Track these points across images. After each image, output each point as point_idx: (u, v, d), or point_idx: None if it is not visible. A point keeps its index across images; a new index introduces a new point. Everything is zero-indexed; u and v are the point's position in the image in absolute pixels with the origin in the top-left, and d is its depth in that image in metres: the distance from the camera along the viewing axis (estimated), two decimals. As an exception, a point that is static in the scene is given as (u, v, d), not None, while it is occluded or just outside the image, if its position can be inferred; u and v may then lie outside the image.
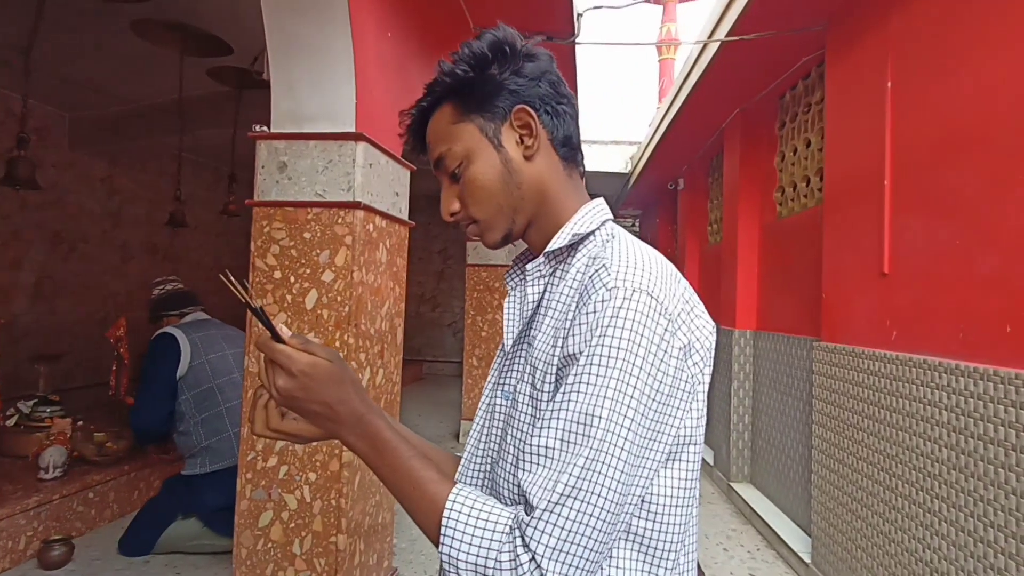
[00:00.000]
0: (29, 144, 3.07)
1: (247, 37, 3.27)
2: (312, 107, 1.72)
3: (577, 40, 3.31)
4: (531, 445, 0.58)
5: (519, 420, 0.64)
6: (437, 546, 0.59)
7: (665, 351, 0.59)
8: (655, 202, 8.38)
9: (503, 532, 0.56)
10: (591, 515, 0.55)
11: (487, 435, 0.71)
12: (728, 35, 3.34)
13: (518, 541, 0.55)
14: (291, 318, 1.69)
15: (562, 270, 0.68)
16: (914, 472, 2.22)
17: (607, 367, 0.56)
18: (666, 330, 0.59)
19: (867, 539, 2.51)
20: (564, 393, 0.58)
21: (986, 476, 1.87)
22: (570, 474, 0.55)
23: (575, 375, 0.57)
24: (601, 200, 0.73)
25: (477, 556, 0.56)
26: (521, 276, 0.75)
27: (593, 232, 0.69)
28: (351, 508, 1.69)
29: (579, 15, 3.22)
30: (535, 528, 0.55)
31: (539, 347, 0.64)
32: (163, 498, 2.61)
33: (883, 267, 2.49)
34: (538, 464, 0.57)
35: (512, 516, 0.57)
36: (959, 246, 2.08)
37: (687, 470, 0.63)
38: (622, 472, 0.56)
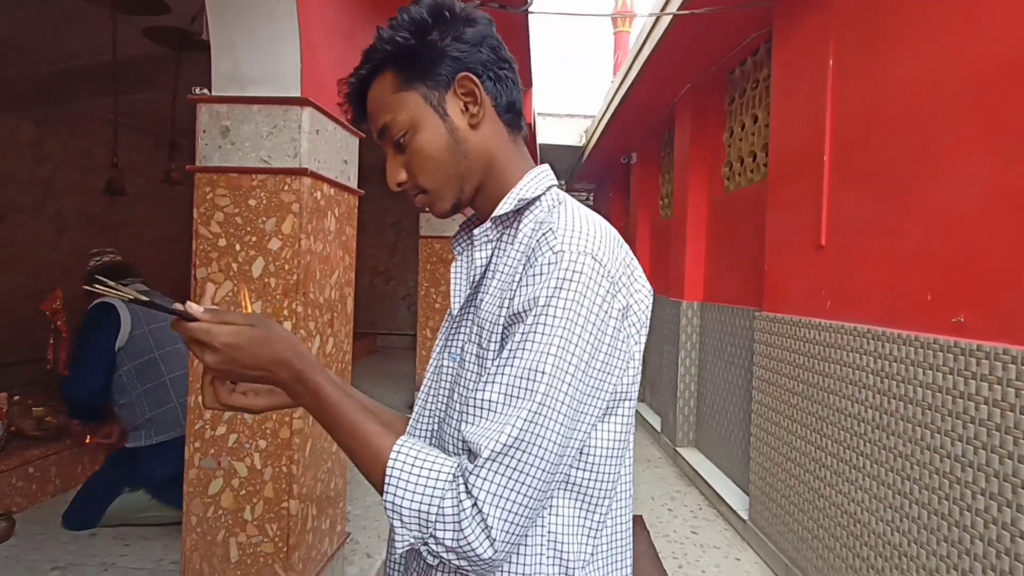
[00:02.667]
0: (-54, 104, 2.85)
1: (186, -6, 3.10)
2: (255, 70, 1.66)
3: (530, 9, 3.28)
4: (476, 399, 0.60)
5: (465, 379, 0.66)
6: (377, 489, 0.60)
7: (606, 312, 0.61)
8: (609, 176, 8.47)
9: (446, 480, 0.58)
10: (532, 465, 0.57)
11: (434, 395, 0.72)
12: (680, 9, 3.37)
13: (461, 488, 0.57)
14: (237, 286, 1.66)
15: (509, 235, 0.70)
16: (842, 432, 2.38)
17: (552, 326, 0.58)
18: (608, 292, 0.61)
19: (799, 496, 2.69)
20: (510, 350, 0.59)
21: (905, 434, 2.02)
22: (513, 425, 0.57)
23: (522, 333, 0.59)
24: (546, 166, 0.75)
25: (420, 503, 0.57)
26: (468, 241, 0.76)
27: (539, 197, 0.70)
28: (302, 474, 1.70)
29: (534, -17, 3.18)
30: (478, 476, 0.57)
31: (486, 308, 0.66)
32: (107, 472, 2.55)
33: (820, 240, 2.61)
34: (482, 417, 0.59)
35: (455, 465, 0.59)
36: (888, 220, 2.20)
37: (622, 424, 0.66)
38: (562, 425, 0.59)
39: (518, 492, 0.57)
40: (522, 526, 0.59)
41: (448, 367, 0.71)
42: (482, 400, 0.60)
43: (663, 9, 3.64)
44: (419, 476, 0.58)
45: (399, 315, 9.13)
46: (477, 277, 0.70)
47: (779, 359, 2.91)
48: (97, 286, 0.61)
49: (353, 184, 2.03)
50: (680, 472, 4.36)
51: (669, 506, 3.68)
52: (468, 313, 0.71)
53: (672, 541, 3.17)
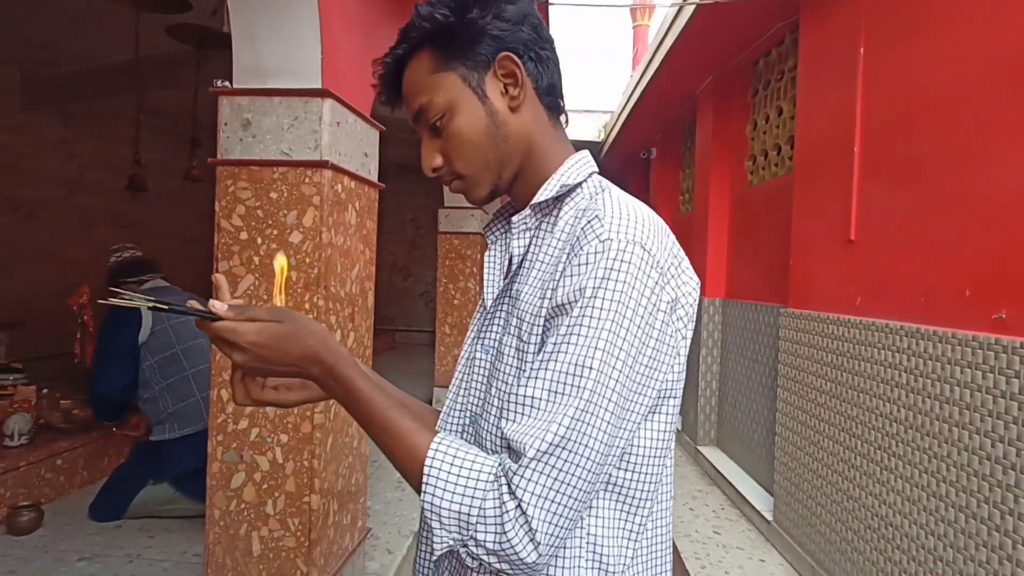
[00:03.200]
0: (-23, 102, 2.91)
1: (207, -9, 3.12)
2: (276, 62, 1.65)
3: (550, 1, 3.24)
4: (518, 395, 0.58)
5: (503, 372, 0.63)
6: (415, 487, 0.58)
7: (655, 304, 0.58)
8: (627, 172, 8.39)
9: (488, 480, 0.55)
10: (579, 465, 0.55)
11: (466, 388, 0.70)
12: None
13: (504, 489, 0.55)
14: (259, 279, 1.65)
15: (548, 222, 0.67)
16: (873, 432, 2.31)
17: (599, 319, 0.56)
18: (656, 283, 0.58)
19: (826, 496, 2.62)
20: (555, 344, 0.57)
21: (940, 434, 1.95)
22: (560, 423, 0.55)
23: (567, 326, 0.56)
24: (586, 152, 0.71)
25: (461, 505, 0.55)
26: (504, 229, 0.73)
27: (581, 184, 0.67)
28: (324, 469, 1.69)
29: (554, -25, 3.15)
30: (523, 476, 0.54)
31: (526, 299, 0.63)
32: (132, 464, 2.58)
33: (850, 234, 2.54)
34: (526, 414, 0.57)
35: (496, 464, 0.57)
36: (923, 213, 2.12)
37: (666, 423, 0.63)
38: (609, 423, 0.56)
39: (563, 493, 0.55)
40: (567, 529, 0.56)
41: (481, 359, 0.69)
42: (525, 396, 0.57)
43: (686, 0, 3.57)
44: (459, 475, 0.56)
45: (417, 311, 9.15)
46: (516, 266, 0.67)
47: (806, 356, 2.84)
48: (111, 299, 0.61)
49: (374, 177, 2.02)
50: (701, 471, 4.30)
51: (691, 505, 3.63)
52: (504, 304, 0.68)
53: (694, 541, 3.12)
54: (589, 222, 0.60)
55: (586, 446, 0.55)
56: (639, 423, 0.61)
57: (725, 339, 4.36)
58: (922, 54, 2.17)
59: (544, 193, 0.66)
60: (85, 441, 2.87)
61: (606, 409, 0.56)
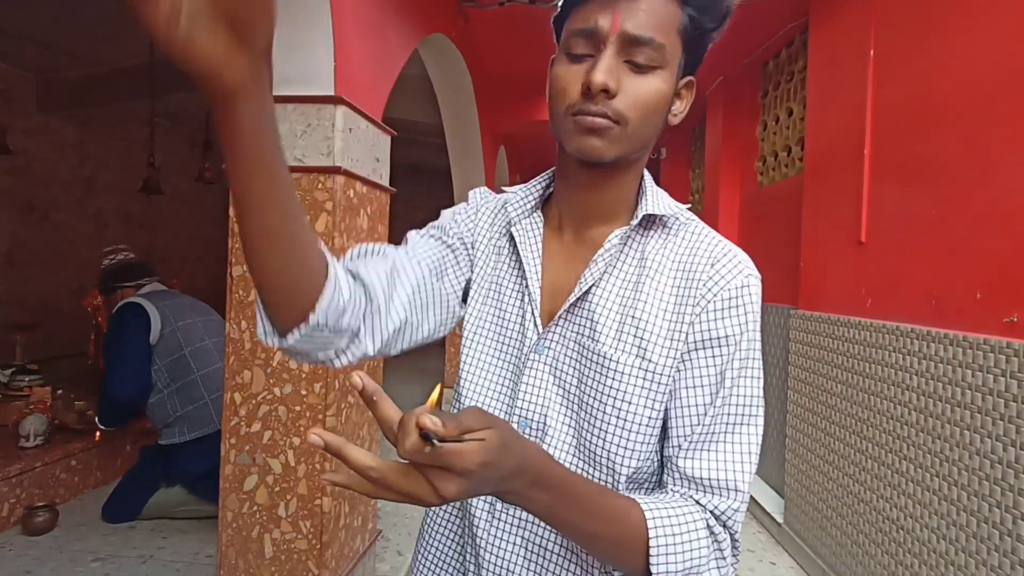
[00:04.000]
0: (-4, 106, 2.95)
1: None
2: (289, 69, 1.67)
3: (559, 5, 3.24)
4: (712, 431, 0.61)
5: (624, 389, 0.62)
6: (643, 564, 0.57)
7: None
8: (639, 172, 8.35)
9: (702, 530, 0.59)
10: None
11: (524, 392, 0.66)
12: None
13: (716, 528, 0.59)
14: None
15: (639, 235, 0.67)
16: (884, 435, 2.30)
17: (757, 353, 0.63)
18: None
19: (837, 499, 2.61)
20: (732, 379, 0.61)
21: (952, 438, 1.94)
22: (751, 453, 0.61)
23: (740, 362, 0.62)
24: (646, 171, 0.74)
25: (690, 560, 0.58)
26: (534, 236, 0.70)
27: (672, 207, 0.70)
28: (335, 471, 1.71)
29: (564, -22, 3.14)
30: (735, 510, 0.60)
31: (648, 319, 0.63)
32: (143, 468, 2.60)
33: (860, 236, 2.53)
34: (717, 450, 0.61)
35: (697, 508, 0.60)
36: (934, 215, 2.11)
37: None
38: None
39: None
40: None
41: (536, 361, 0.66)
42: (713, 433, 0.61)
43: (695, 1, 3.57)
44: (682, 532, 0.58)
45: (426, 312, 9.17)
46: (600, 274, 0.65)
47: (816, 359, 2.83)
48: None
49: (385, 182, 2.03)
50: (711, 473, 4.28)
51: (700, 507, 3.62)
52: (578, 307, 0.65)
53: (704, 543, 3.11)
54: (725, 254, 0.64)
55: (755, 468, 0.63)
56: None
57: (734, 340, 4.34)
58: (933, 56, 2.15)
59: (655, 207, 0.67)
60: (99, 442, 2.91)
61: (762, 430, 0.63)
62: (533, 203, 0.73)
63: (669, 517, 0.58)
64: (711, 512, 0.59)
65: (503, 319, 0.71)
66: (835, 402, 2.65)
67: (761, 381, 0.63)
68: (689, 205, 0.72)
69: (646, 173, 0.71)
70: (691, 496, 0.61)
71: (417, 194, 8.88)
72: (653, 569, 0.56)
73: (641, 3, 0.59)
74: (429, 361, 7.24)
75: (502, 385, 0.69)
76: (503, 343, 0.70)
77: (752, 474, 0.61)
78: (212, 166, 4.20)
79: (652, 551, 0.56)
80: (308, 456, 1.67)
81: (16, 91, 4.32)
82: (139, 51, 3.74)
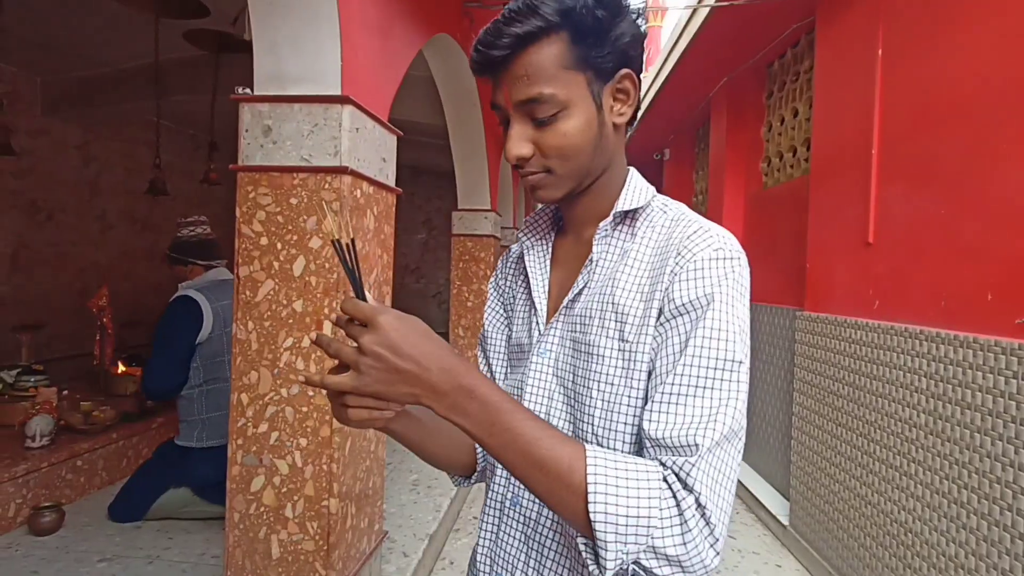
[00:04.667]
0: (2, 108, 2.96)
1: (225, -2, 3.16)
2: (296, 68, 1.67)
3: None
4: (665, 395, 0.58)
5: (606, 375, 0.64)
6: (583, 510, 0.54)
7: (746, 305, 0.64)
8: (641, 173, 8.35)
9: (657, 481, 0.54)
10: (734, 455, 0.58)
11: (529, 395, 0.70)
12: (718, 0, 3.29)
13: (677, 487, 0.54)
14: (279, 285, 1.67)
15: (622, 228, 0.70)
16: (892, 437, 2.29)
17: (730, 318, 0.59)
18: (747, 279, 0.65)
19: (843, 501, 2.59)
20: (695, 342, 0.58)
21: (962, 440, 1.93)
22: (726, 414, 0.57)
23: (706, 325, 0.59)
24: (632, 167, 0.76)
25: (639, 509, 0.53)
26: (544, 244, 0.76)
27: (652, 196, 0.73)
28: (342, 473, 1.71)
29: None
30: (698, 468, 0.54)
31: (624, 303, 0.64)
32: (155, 466, 2.59)
33: (868, 237, 2.52)
34: (679, 412, 0.57)
35: (656, 465, 0.56)
36: (942, 215, 2.10)
37: None
38: (742, 417, 0.60)
39: (724, 485, 0.56)
40: (728, 516, 0.57)
41: (539, 364, 0.70)
42: (674, 395, 0.58)
43: (700, 1, 3.56)
44: (628, 479, 0.54)
45: (430, 313, 9.18)
46: (593, 270, 0.69)
47: (823, 360, 2.81)
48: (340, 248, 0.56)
49: (391, 182, 2.03)
50: (716, 474, 4.27)
51: (705, 509, 3.60)
52: (569, 308, 0.69)
53: (709, 545, 3.10)
54: (695, 232, 0.64)
55: (738, 434, 0.58)
56: None
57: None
58: (942, 55, 2.14)
59: (630, 202, 0.70)
60: (104, 442, 2.91)
61: (745, 400, 0.60)
62: (547, 218, 0.79)
63: (615, 464, 0.54)
64: (672, 470, 0.55)
65: (515, 331, 0.77)
66: (841, 404, 2.64)
67: (736, 345, 0.58)
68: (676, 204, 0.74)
69: (631, 171, 0.74)
70: (656, 457, 0.57)
71: (419, 195, 8.88)
72: (591, 511, 0.52)
73: (519, 68, 0.62)
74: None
75: (514, 390, 0.74)
76: (515, 353, 0.77)
77: (723, 436, 0.56)
78: (217, 167, 4.20)
79: (590, 490, 0.52)
80: (315, 457, 1.67)
81: (21, 93, 4.33)
82: (144, 52, 3.75)
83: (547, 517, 0.68)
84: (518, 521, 0.70)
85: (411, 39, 2.31)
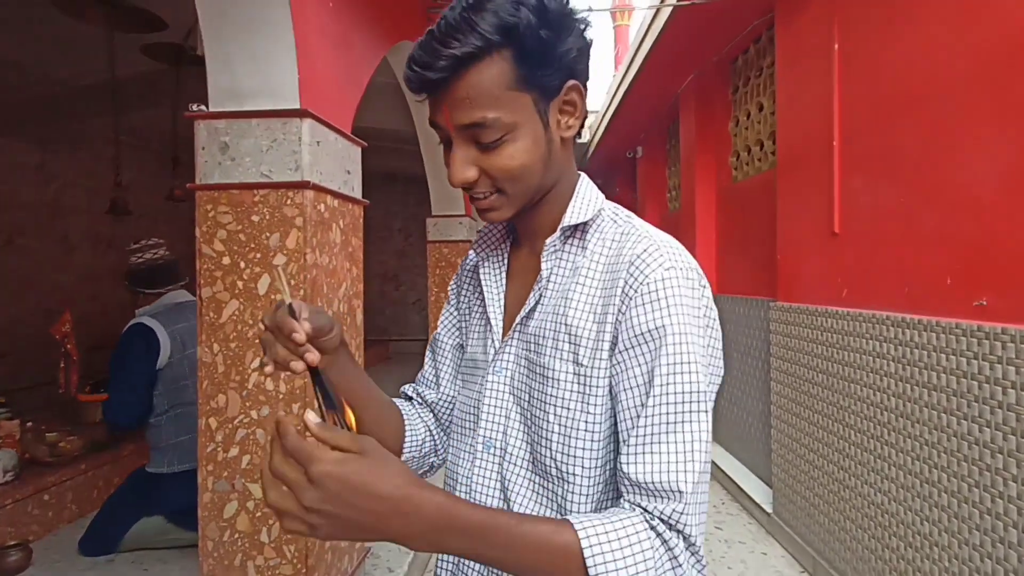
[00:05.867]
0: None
1: (181, 10, 3.08)
2: (252, 83, 1.64)
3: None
4: (639, 435, 0.58)
5: (563, 399, 0.63)
6: None
7: (710, 320, 0.64)
8: (615, 171, 8.41)
9: (647, 538, 0.55)
10: (707, 482, 0.59)
11: (486, 414, 0.70)
12: (679, 0, 3.33)
13: (664, 533, 0.56)
14: (243, 304, 1.64)
15: (572, 243, 0.68)
16: (865, 421, 2.33)
17: (688, 347, 0.59)
18: (707, 302, 0.63)
19: (823, 487, 2.64)
20: (661, 379, 0.58)
21: (930, 421, 1.97)
22: (696, 451, 0.57)
23: (666, 360, 0.58)
24: (584, 174, 0.73)
25: (637, 568, 0.54)
26: (495, 246, 0.75)
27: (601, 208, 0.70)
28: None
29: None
30: (686, 513, 0.56)
31: (577, 324, 0.63)
32: (127, 495, 2.52)
33: (834, 227, 2.56)
34: (655, 451, 0.57)
35: (637, 514, 0.56)
36: (903, 204, 2.15)
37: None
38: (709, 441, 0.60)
39: (703, 513, 0.59)
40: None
41: (495, 383, 0.69)
42: (649, 435, 0.58)
43: (663, 0, 3.59)
44: (622, 546, 0.54)
45: (410, 320, 9.12)
46: (543, 288, 0.67)
47: (796, 349, 2.86)
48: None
49: (357, 194, 2.01)
50: (699, 467, 4.31)
51: (690, 502, 3.63)
52: (522, 327, 0.68)
53: (695, 538, 3.13)
54: (646, 250, 0.62)
55: (708, 460, 0.59)
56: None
57: (716, 334, 4.38)
58: (895, 47, 2.19)
59: (577, 216, 0.67)
60: (73, 474, 2.82)
61: (709, 425, 0.60)
62: (500, 230, 0.77)
63: (606, 531, 0.54)
64: (659, 518, 0.56)
65: (471, 345, 0.76)
66: (817, 391, 2.68)
67: (699, 375, 0.58)
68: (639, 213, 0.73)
69: (581, 179, 0.72)
70: (638, 503, 0.58)
71: (393, 201, 8.82)
72: None
73: (459, 90, 0.59)
74: (415, 370, 7.20)
75: (471, 408, 0.73)
76: (469, 368, 0.75)
77: (700, 472, 0.57)
78: (181, 184, 4.12)
79: (590, 567, 0.53)
80: (289, 478, 1.63)
81: (-28, 114, 4.20)
82: (100, 68, 3.65)
83: None
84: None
85: (373, 48, 2.28)
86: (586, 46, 0.64)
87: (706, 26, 3.66)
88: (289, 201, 1.63)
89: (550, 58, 0.60)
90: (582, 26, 0.63)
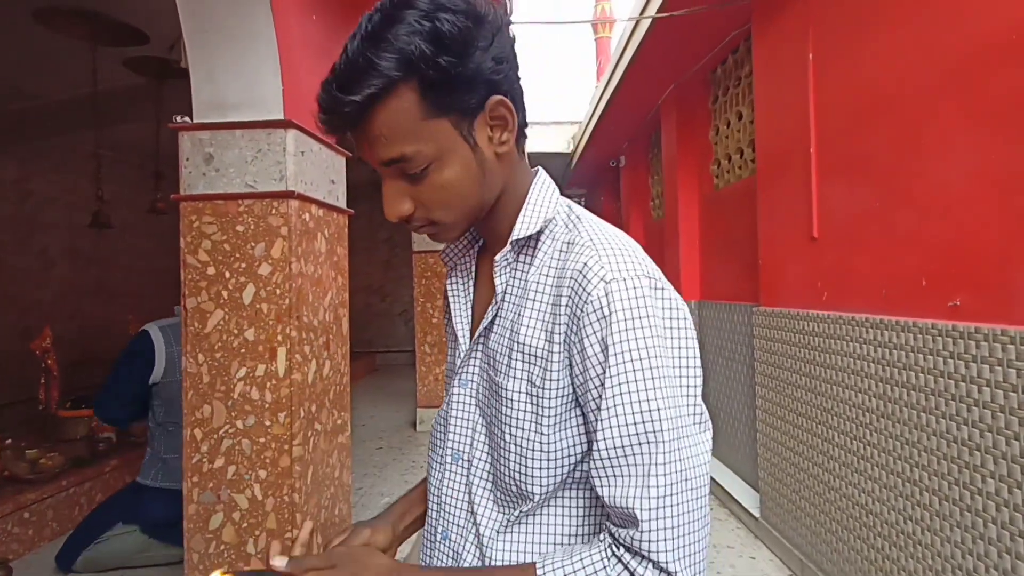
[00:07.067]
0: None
1: (163, 24, 3.10)
2: (236, 95, 1.65)
3: (511, 20, 3.28)
4: (598, 459, 0.57)
5: (517, 420, 0.62)
6: None
7: (675, 322, 0.59)
8: (599, 180, 8.49)
9: (610, 564, 0.55)
10: (689, 500, 0.55)
11: (452, 426, 0.71)
12: (659, 11, 3.39)
13: (629, 560, 0.55)
14: (228, 314, 1.63)
15: (526, 255, 0.66)
16: (848, 423, 2.36)
17: (638, 362, 0.55)
18: (668, 304, 0.59)
19: (809, 489, 2.66)
20: (608, 401, 0.56)
21: (910, 421, 2.01)
22: (656, 475, 0.54)
23: (612, 380, 0.55)
24: (542, 171, 0.70)
25: None
26: (462, 254, 0.74)
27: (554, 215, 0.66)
28: (305, 503, 1.67)
29: (511, -6, 3.19)
30: (649, 540, 0.54)
31: (528, 341, 0.61)
32: (107, 503, 2.49)
33: (813, 232, 2.61)
34: (615, 474, 0.56)
35: (602, 550, 0.57)
36: (879, 208, 2.20)
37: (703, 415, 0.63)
38: (692, 447, 0.56)
39: (690, 533, 0.55)
40: (704, 554, 0.57)
41: (460, 394, 0.70)
42: (603, 460, 0.56)
43: (642, 13, 3.66)
44: None
45: (397, 332, 9.09)
46: (498, 303, 0.66)
47: (780, 353, 2.89)
48: None
49: (342, 204, 2.01)
50: (687, 473, 4.32)
51: (679, 508, 3.64)
52: (482, 343, 0.68)
53: (684, 544, 3.13)
54: (586, 263, 0.58)
55: (688, 480, 0.56)
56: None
57: (703, 340, 4.41)
58: (867, 55, 2.26)
59: (525, 229, 0.64)
60: (53, 491, 2.77)
61: (685, 437, 0.56)
62: (467, 238, 0.75)
63: (563, 567, 0.56)
64: (622, 543, 0.56)
65: (449, 355, 0.79)
66: (800, 395, 2.72)
67: (653, 393, 0.55)
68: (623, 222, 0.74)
69: (536, 183, 0.68)
70: (609, 526, 0.58)
71: (379, 212, 8.79)
72: None
73: (372, 129, 0.58)
74: (402, 382, 7.16)
75: (441, 419, 0.75)
76: (449, 374, 0.77)
77: (667, 495, 0.55)
78: (163, 196, 4.09)
79: None
80: (276, 489, 1.63)
81: (-50, 129, 4.15)
82: (80, 82, 3.63)
83: (470, 553, 0.67)
84: (445, 555, 0.70)
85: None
86: (503, 54, 0.60)
87: (685, 37, 3.73)
88: (274, 211, 1.63)
89: (459, 82, 0.57)
90: (491, 37, 0.58)
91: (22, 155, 4.66)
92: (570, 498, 0.63)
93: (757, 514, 3.19)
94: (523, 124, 0.65)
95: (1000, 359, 1.65)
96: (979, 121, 1.74)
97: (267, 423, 1.62)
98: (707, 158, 4.32)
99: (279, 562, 0.59)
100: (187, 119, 1.67)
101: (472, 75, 0.57)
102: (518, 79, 0.63)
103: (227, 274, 1.63)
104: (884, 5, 2.14)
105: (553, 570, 0.56)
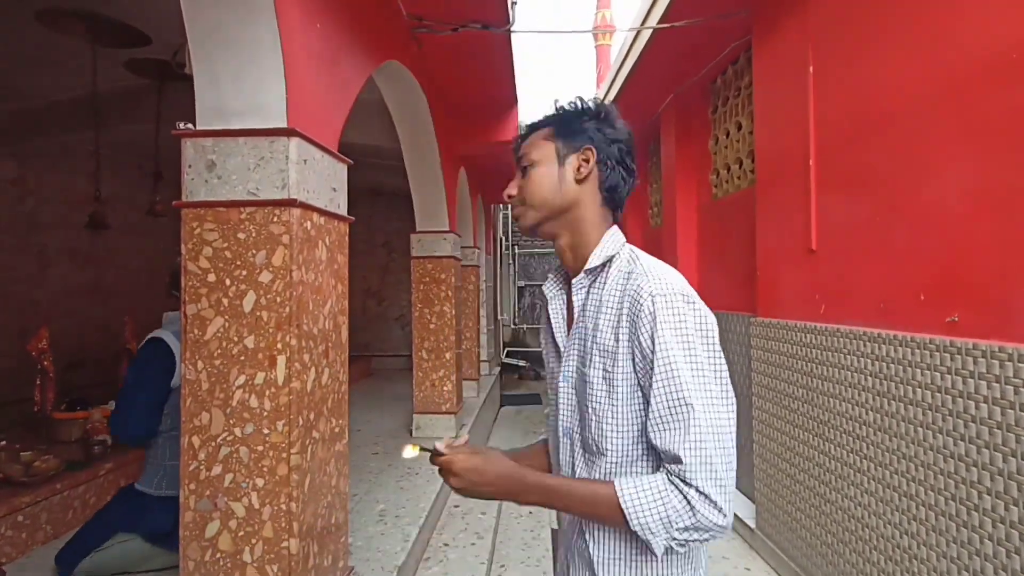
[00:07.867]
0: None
1: (166, 26, 3.10)
2: (239, 102, 1.65)
3: (512, 28, 3.30)
4: (655, 417, 0.84)
5: (595, 398, 0.91)
6: (624, 526, 0.82)
7: (702, 323, 0.85)
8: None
9: (664, 488, 0.81)
10: (717, 446, 0.80)
11: (562, 411, 0.99)
12: (660, 22, 3.41)
13: (680, 485, 0.80)
14: (228, 321, 1.63)
15: (600, 281, 0.95)
16: (844, 436, 2.37)
17: (675, 352, 0.83)
18: (696, 311, 0.85)
19: (805, 501, 2.67)
20: (659, 377, 0.83)
21: (907, 435, 2.02)
22: (690, 431, 0.80)
23: (659, 363, 0.83)
24: (616, 228, 0.99)
25: (658, 512, 0.80)
26: (560, 287, 1.04)
27: (618, 252, 0.96)
28: (302, 511, 1.66)
29: (513, 3, 3.21)
30: (690, 471, 0.80)
31: (602, 339, 0.90)
32: (109, 510, 2.45)
33: (811, 244, 2.62)
34: (666, 429, 0.82)
35: (662, 475, 0.82)
36: (877, 222, 2.21)
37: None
38: (718, 408, 0.82)
39: (719, 469, 0.80)
40: (731, 488, 0.81)
41: (564, 387, 0.98)
42: (658, 418, 0.83)
43: (643, 23, 3.68)
44: (646, 497, 0.81)
45: (393, 336, 9.06)
46: (577, 314, 0.96)
47: (777, 364, 2.90)
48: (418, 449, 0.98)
49: (343, 211, 2.01)
50: (683, 482, 4.32)
51: (674, 518, 3.64)
52: (574, 343, 0.96)
53: (679, 554, 3.13)
54: (639, 285, 0.87)
55: (715, 433, 0.81)
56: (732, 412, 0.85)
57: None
58: (867, 69, 2.27)
59: (593, 261, 0.95)
60: (47, 494, 2.75)
61: (711, 402, 0.82)
62: (562, 275, 1.05)
63: (635, 486, 0.82)
64: (675, 474, 0.81)
65: (550, 360, 1.06)
66: (797, 406, 2.72)
67: (686, 373, 0.82)
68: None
69: (612, 231, 0.97)
70: (663, 463, 0.84)
71: (377, 216, 8.81)
72: (632, 524, 0.81)
73: (529, 140, 1.01)
74: (397, 387, 7.14)
75: (555, 406, 1.02)
76: (552, 376, 1.05)
77: (702, 441, 0.80)
78: (162, 199, 4.08)
79: (626, 512, 0.81)
80: (273, 497, 1.62)
81: (-51, 128, 4.13)
82: (80, 82, 3.63)
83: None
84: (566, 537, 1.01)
85: (359, 67, 2.31)
86: (607, 134, 0.96)
87: (686, 47, 3.75)
88: (276, 219, 1.63)
89: (571, 129, 0.97)
90: (612, 127, 0.97)
91: (21, 154, 4.65)
92: (640, 468, 0.90)
93: (753, 525, 3.19)
94: (611, 189, 0.96)
95: (998, 376, 1.66)
96: (978, 137, 1.76)
97: (265, 431, 1.61)
98: (706, 168, 4.34)
99: (439, 445, 0.91)
100: (190, 125, 1.67)
101: (580, 131, 0.97)
102: (620, 163, 0.97)
103: (227, 281, 1.63)
104: (884, 21, 2.16)
105: (625, 485, 0.83)
